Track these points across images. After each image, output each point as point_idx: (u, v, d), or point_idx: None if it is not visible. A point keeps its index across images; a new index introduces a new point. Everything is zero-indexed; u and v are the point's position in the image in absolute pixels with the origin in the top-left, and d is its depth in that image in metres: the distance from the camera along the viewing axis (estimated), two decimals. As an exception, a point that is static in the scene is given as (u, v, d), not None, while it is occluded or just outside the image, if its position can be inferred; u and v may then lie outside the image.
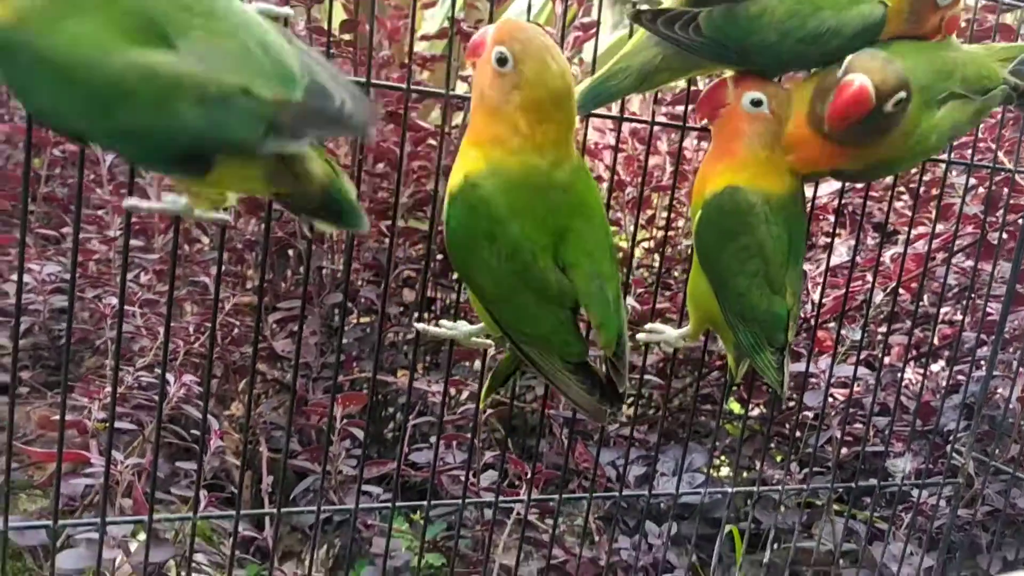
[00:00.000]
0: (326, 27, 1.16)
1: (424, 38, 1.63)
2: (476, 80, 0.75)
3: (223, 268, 1.36)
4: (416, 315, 1.53)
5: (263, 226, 1.42)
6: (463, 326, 0.86)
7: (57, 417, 0.92)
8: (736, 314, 0.91)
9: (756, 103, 0.86)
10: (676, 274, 1.59)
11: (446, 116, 1.13)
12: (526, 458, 1.45)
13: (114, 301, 1.16)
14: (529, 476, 1.14)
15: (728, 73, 0.89)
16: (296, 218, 0.77)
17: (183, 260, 1.44)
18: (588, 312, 0.80)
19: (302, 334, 1.38)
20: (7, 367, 1.37)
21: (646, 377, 1.46)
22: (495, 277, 0.76)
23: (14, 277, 1.29)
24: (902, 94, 0.81)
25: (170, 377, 1.02)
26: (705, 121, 0.94)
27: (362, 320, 1.50)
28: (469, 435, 1.32)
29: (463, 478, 1.25)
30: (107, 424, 0.97)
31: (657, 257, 1.69)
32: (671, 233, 1.61)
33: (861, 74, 0.80)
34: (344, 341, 1.46)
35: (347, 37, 1.34)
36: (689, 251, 1.58)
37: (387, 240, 1.51)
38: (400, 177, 1.01)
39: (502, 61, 0.72)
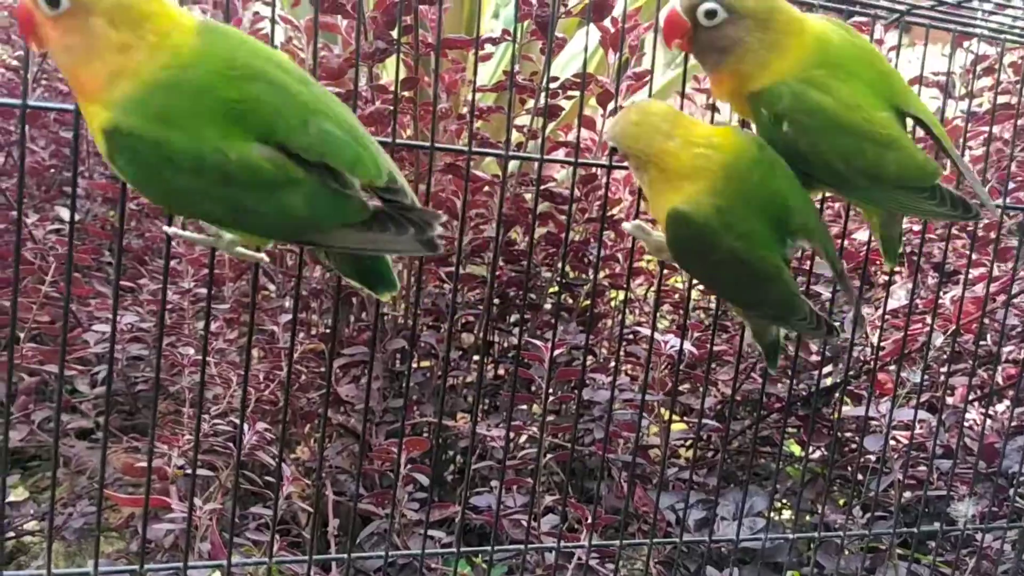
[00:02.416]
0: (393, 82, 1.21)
1: (480, 90, 1.68)
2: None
3: (289, 316, 1.41)
4: (476, 359, 1.57)
5: (327, 274, 1.47)
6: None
7: (138, 464, 0.96)
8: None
9: (710, 14, 0.85)
10: (733, 315, 1.60)
11: (505, 172, 1.16)
12: (585, 502, 1.46)
13: (188, 351, 1.21)
14: (590, 521, 1.15)
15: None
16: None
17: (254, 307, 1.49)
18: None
19: (369, 379, 1.42)
20: (86, 413, 1.43)
21: (704, 420, 1.46)
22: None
23: (95, 327, 1.36)
24: (710, 6, 0.83)
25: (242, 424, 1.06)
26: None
27: (422, 365, 1.54)
28: (529, 479, 1.34)
29: (523, 522, 1.26)
30: (185, 471, 1.01)
31: (713, 299, 1.70)
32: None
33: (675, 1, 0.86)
34: (404, 386, 1.50)
35: (407, 93, 1.39)
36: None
37: (445, 286, 1.55)
38: (463, 226, 1.04)
39: None
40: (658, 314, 1.77)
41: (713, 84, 0.91)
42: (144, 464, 0.94)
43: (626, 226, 0.96)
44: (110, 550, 1.34)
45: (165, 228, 0.83)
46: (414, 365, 1.54)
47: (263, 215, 0.72)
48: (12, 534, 1.30)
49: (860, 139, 0.85)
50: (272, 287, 1.56)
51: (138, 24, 0.67)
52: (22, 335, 1.28)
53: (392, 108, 1.36)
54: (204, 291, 1.45)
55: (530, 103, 1.52)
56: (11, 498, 1.31)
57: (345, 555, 0.94)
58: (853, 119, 0.85)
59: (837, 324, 0.97)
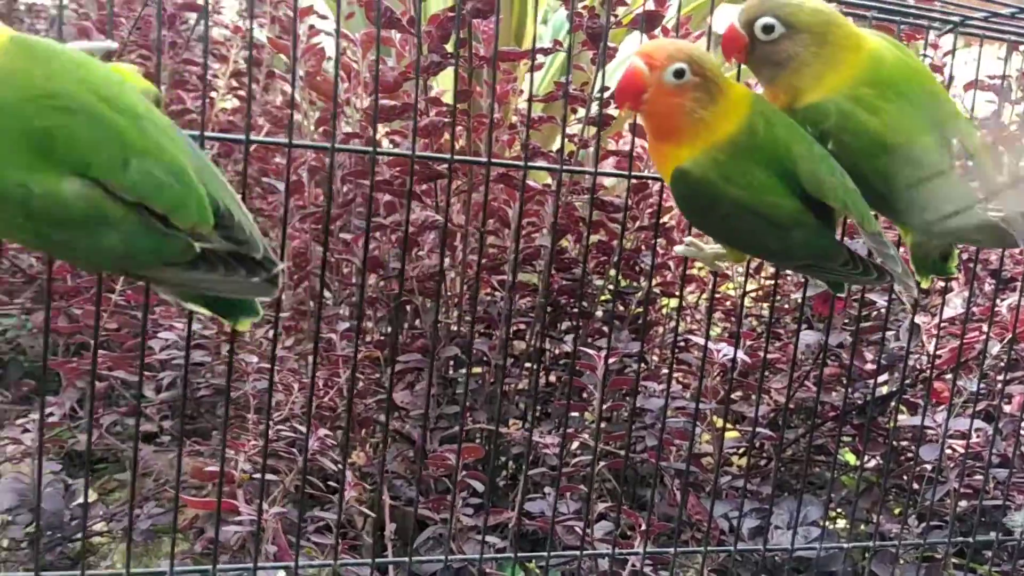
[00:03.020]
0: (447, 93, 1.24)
1: (532, 100, 1.70)
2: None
3: (347, 324, 1.44)
4: (528, 366, 1.58)
5: (384, 283, 1.50)
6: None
7: (207, 468, 1.00)
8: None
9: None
10: (786, 322, 1.60)
11: (560, 185, 1.18)
12: (637, 508, 1.47)
13: (252, 358, 1.25)
14: (644, 528, 1.16)
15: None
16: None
17: (308, 316, 1.53)
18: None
19: (423, 386, 1.44)
20: (150, 417, 1.48)
21: (757, 428, 1.46)
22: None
23: (160, 334, 1.41)
24: (767, 20, 0.84)
25: (305, 429, 1.09)
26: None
27: (474, 371, 1.56)
28: (581, 485, 1.35)
29: (577, 528, 1.28)
30: (251, 475, 1.04)
31: (766, 307, 1.70)
32: (779, 281, 1.62)
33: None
34: (457, 392, 1.52)
35: (461, 106, 1.41)
36: (798, 301, 1.59)
37: (497, 293, 1.57)
38: (517, 236, 1.06)
39: None
40: (710, 321, 1.77)
41: (768, 98, 0.91)
42: (212, 468, 0.97)
43: (678, 249, 0.98)
44: (176, 550, 1.38)
45: None
46: (465, 372, 1.56)
47: (78, 250, 0.69)
48: (81, 535, 1.35)
49: (902, 163, 0.85)
50: (328, 295, 1.60)
51: None
52: (93, 342, 1.32)
53: (445, 120, 1.39)
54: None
55: (580, 112, 1.53)
56: (80, 500, 1.36)
57: (406, 559, 0.96)
58: (896, 142, 0.85)
59: (891, 332, 0.97)
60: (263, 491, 0.84)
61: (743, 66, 0.95)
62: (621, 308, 1.59)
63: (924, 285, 1.01)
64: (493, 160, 0.94)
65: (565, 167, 0.99)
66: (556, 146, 2.20)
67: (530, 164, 1.00)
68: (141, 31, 1.62)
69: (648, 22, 1.37)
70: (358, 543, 1.37)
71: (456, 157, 0.97)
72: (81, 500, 1.36)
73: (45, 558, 1.29)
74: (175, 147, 0.70)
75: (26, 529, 1.28)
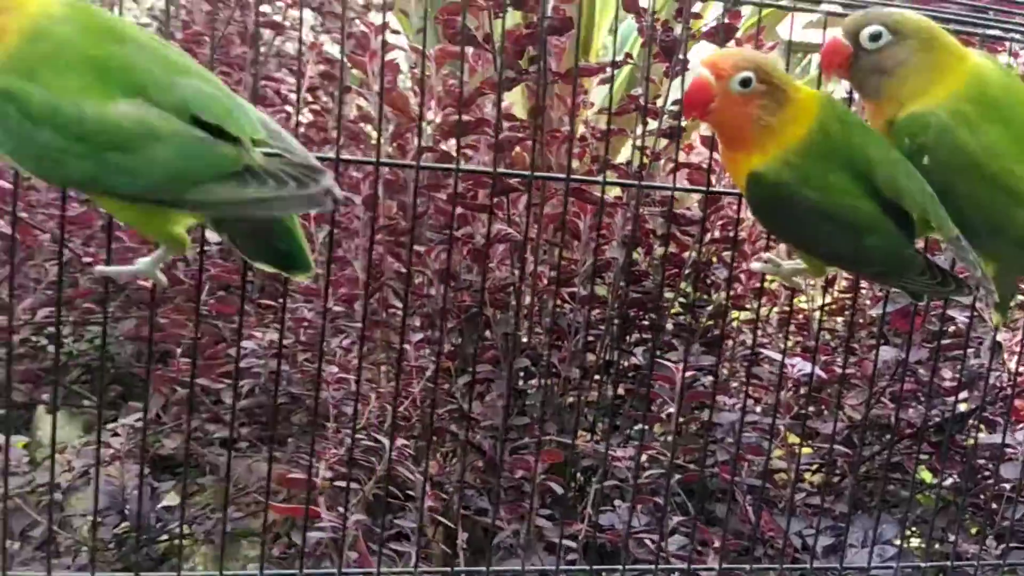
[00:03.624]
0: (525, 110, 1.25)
1: (611, 114, 1.71)
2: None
3: (418, 334, 1.47)
4: (596, 378, 1.59)
5: (453, 294, 1.52)
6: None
7: (290, 475, 1.03)
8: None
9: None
10: (861, 337, 1.57)
11: (638, 202, 1.19)
12: (706, 523, 1.46)
13: (332, 368, 1.28)
14: (716, 544, 1.16)
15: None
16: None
17: (381, 326, 1.56)
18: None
19: (509, 397, 1.46)
20: (226, 423, 1.52)
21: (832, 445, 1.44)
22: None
23: (245, 343, 1.45)
24: (874, 28, 0.84)
25: (383, 439, 1.12)
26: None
27: (542, 384, 1.57)
28: (650, 499, 1.35)
29: (648, 542, 1.28)
30: (332, 482, 1.07)
31: (839, 321, 1.68)
32: (855, 296, 1.60)
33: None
34: (527, 403, 1.54)
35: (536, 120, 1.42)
36: (874, 316, 1.57)
37: (567, 305, 1.58)
38: (596, 250, 1.07)
39: None
40: (782, 335, 1.75)
41: (870, 113, 0.91)
42: (294, 476, 1.00)
43: (755, 266, 0.98)
44: (253, 554, 1.42)
45: (96, 268, 0.89)
46: (536, 383, 1.57)
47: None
48: (166, 536, 1.39)
49: (994, 189, 0.84)
50: (399, 305, 1.62)
51: None
52: (179, 350, 1.37)
53: (519, 135, 1.41)
54: (340, 309, 1.52)
55: (652, 124, 1.54)
56: (165, 503, 1.41)
57: (482, 568, 0.98)
58: (992, 167, 0.83)
59: (971, 349, 0.95)
60: (347, 498, 0.86)
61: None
62: (692, 321, 1.59)
63: (997, 322, 0.99)
64: (572, 176, 0.95)
65: (641, 183, 1.00)
66: (620, 156, 2.21)
67: (608, 180, 1.01)
68: (223, 48, 1.68)
69: (725, 32, 1.37)
70: (429, 551, 1.39)
71: (536, 174, 0.98)
72: (165, 503, 1.41)
73: (131, 558, 1.33)
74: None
75: (114, 530, 1.33)
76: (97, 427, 1.09)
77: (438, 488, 1.41)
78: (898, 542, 1.32)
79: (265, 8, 1.76)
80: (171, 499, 1.44)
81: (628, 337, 1.60)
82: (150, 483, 1.34)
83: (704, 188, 1.02)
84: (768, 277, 1.61)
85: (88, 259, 1.45)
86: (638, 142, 1.46)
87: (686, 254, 1.54)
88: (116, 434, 1.33)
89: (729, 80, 0.83)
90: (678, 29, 1.33)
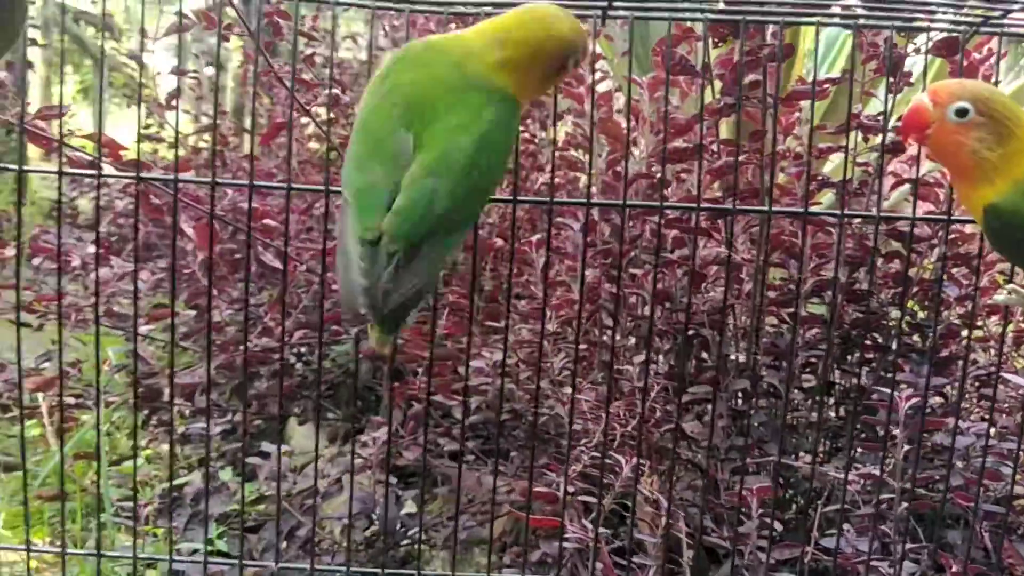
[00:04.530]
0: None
1: (819, 129, 1.69)
2: None
3: (629, 353, 1.51)
4: (818, 398, 1.57)
5: (669, 315, 1.56)
6: None
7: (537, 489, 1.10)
8: None
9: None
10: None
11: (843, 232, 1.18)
12: (936, 550, 1.40)
13: (565, 390, 1.35)
14: (955, 569, 1.12)
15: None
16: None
17: (601, 348, 1.62)
18: None
19: (709, 417, 1.48)
20: (455, 437, 1.63)
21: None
22: None
23: (474, 363, 1.55)
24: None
25: (618, 457, 1.17)
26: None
27: (761, 405, 1.57)
28: (875, 524, 1.32)
29: (881, 569, 1.25)
30: (572, 496, 1.13)
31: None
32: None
33: None
34: (746, 424, 1.54)
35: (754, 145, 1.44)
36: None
37: (784, 325, 1.58)
38: (801, 267, 1.08)
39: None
40: (1016, 354, 1.66)
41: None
42: (540, 489, 1.07)
43: (998, 298, 0.97)
44: (483, 562, 1.52)
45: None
46: (754, 404, 1.58)
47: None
48: (408, 541, 1.51)
49: None
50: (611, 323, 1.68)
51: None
52: (414, 368, 1.49)
53: (736, 160, 1.42)
54: (558, 330, 1.60)
55: (873, 140, 1.51)
56: (406, 510, 1.53)
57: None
58: None
59: None
60: (598, 513, 0.92)
61: None
62: (918, 340, 1.54)
63: None
64: (774, 209, 0.97)
65: (880, 214, 1.00)
66: (828, 165, 2.16)
67: (810, 211, 1.03)
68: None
69: (947, 48, 1.33)
70: (647, 564, 1.43)
71: (738, 208, 1.01)
72: (407, 510, 1.53)
73: (379, 559, 1.46)
74: None
75: (364, 532, 1.46)
76: (352, 439, 1.22)
77: (656, 506, 1.44)
78: None
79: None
80: (410, 506, 1.56)
81: (850, 357, 1.58)
82: (395, 491, 1.46)
83: (946, 218, 1.01)
84: (996, 296, 1.53)
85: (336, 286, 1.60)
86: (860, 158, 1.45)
87: (912, 271, 1.49)
88: (365, 445, 1.46)
89: (946, 108, 0.86)
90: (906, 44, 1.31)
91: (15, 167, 0.95)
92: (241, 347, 1.61)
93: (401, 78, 0.89)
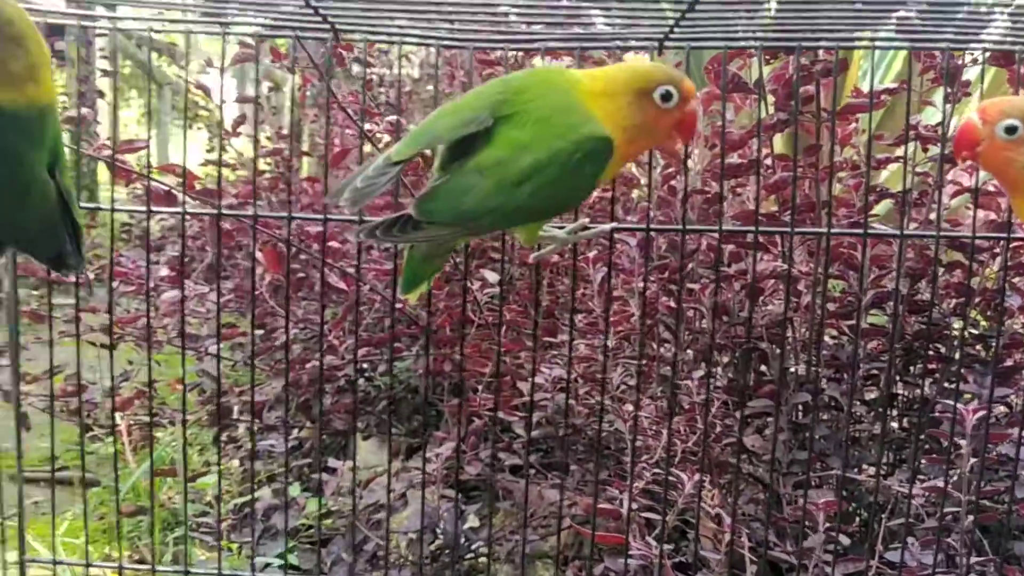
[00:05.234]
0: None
1: (877, 138, 1.68)
2: None
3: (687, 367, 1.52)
4: (881, 410, 1.56)
5: (727, 329, 1.57)
6: None
7: (602, 505, 1.12)
8: None
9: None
10: None
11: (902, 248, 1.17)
12: (1003, 562, 1.39)
13: (627, 407, 1.37)
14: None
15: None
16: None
17: (660, 360, 1.63)
18: None
19: (769, 430, 1.48)
20: (516, 452, 1.66)
21: None
22: None
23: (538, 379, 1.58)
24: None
25: (680, 474, 1.19)
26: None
27: (823, 418, 1.57)
28: (950, 539, 1.31)
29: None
30: (637, 512, 1.15)
31: None
32: None
33: None
34: (807, 437, 1.54)
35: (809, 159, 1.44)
36: None
37: (844, 338, 1.57)
38: (862, 279, 1.08)
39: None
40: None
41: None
42: (603, 506, 1.09)
43: None
44: (547, 575, 1.54)
45: None
46: (814, 417, 1.57)
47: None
48: (471, 555, 1.54)
49: None
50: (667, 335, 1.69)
51: None
52: (480, 387, 1.52)
53: (792, 175, 1.43)
54: (619, 345, 1.61)
55: (931, 150, 1.50)
56: (469, 524, 1.56)
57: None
58: None
59: None
60: (662, 530, 0.94)
61: None
62: (981, 351, 1.52)
63: None
64: (834, 230, 0.99)
65: (940, 233, 1.01)
66: (884, 173, 2.14)
67: (870, 232, 1.03)
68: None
69: (1004, 58, 1.32)
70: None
71: (796, 230, 1.03)
72: (470, 524, 1.56)
73: (445, 574, 1.49)
74: None
75: (429, 546, 1.49)
76: (423, 453, 1.25)
77: (717, 521, 1.45)
78: None
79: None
80: (472, 520, 1.59)
81: (912, 368, 1.57)
82: (459, 506, 1.49)
83: (1005, 234, 1.01)
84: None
85: (399, 304, 1.64)
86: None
87: (974, 281, 1.48)
88: (429, 460, 1.49)
89: (995, 126, 0.88)
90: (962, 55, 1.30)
91: (107, 207, 1.00)
92: (307, 365, 1.66)
93: (515, 79, 0.92)
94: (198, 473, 1.86)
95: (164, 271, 1.64)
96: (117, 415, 1.69)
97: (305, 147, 2.68)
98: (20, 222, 0.83)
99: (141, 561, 1.53)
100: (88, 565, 1.09)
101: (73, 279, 1.07)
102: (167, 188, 1.24)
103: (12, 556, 1.36)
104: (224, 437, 1.82)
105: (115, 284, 1.86)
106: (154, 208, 1.05)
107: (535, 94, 0.89)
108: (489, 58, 1.55)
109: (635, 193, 1.97)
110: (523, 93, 0.89)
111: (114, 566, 1.13)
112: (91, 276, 1.58)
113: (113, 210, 1.01)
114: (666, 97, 0.90)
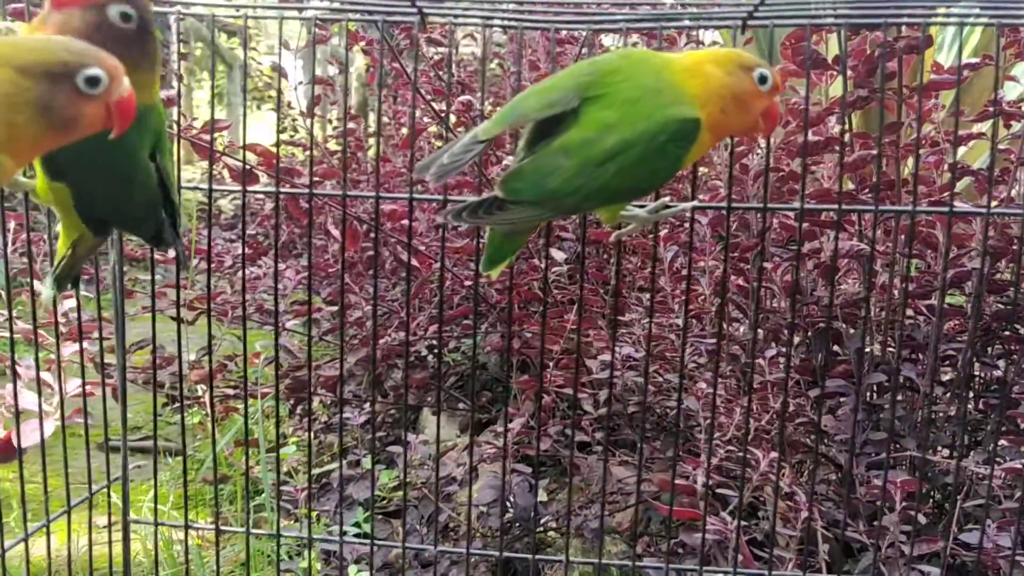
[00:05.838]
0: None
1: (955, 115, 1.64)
2: None
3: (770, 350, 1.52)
4: (958, 391, 1.54)
5: (805, 307, 1.55)
6: None
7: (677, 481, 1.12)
8: None
9: None
10: None
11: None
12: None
13: (701, 385, 1.37)
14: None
15: None
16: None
17: (730, 339, 1.63)
18: None
19: (844, 411, 1.47)
20: (585, 430, 1.67)
21: None
22: None
23: (602, 356, 1.59)
24: None
25: (755, 451, 1.19)
26: None
27: (898, 398, 1.55)
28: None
29: (1021, 563, 1.22)
30: (710, 489, 1.16)
31: None
32: None
33: None
34: (882, 417, 1.52)
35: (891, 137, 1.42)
36: None
37: (921, 318, 1.55)
38: (946, 263, 1.06)
39: None
40: None
41: None
42: (678, 482, 1.10)
43: None
44: (615, 549, 1.55)
45: None
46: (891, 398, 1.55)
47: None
48: (541, 528, 1.57)
49: None
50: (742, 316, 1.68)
51: None
52: (551, 364, 1.54)
53: (872, 153, 1.41)
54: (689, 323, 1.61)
55: (1015, 126, 1.46)
56: (540, 498, 1.58)
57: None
58: None
59: None
60: (739, 506, 0.95)
61: None
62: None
63: None
64: (919, 208, 0.96)
65: (992, 211, 0.98)
66: (962, 149, 2.09)
67: (955, 210, 1.01)
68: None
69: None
70: (784, 556, 1.43)
71: (881, 208, 1.00)
72: (540, 498, 1.58)
73: (515, 546, 1.52)
74: None
75: (504, 518, 1.52)
76: (504, 426, 1.27)
77: (790, 499, 1.45)
78: None
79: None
80: (541, 496, 1.61)
81: (990, 349, 1.54)
82: (529, 480, 1.52)
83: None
84: None
85: (468, 282, 1.67)
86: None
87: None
88: (499, 435, 1.52)
89: None
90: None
91: (205, 187, 1.04)
92: (381, 341, 1.70)
93: (604, 60, 0.92)
94: (275, 444, 1.91)
95: (239, 249, 1.68)
96: (200, 387, 1.75)
97: (372, 127, 2.72)
98: (126, 206, 0.87)
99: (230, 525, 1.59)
100: (188, 527, 1.13)
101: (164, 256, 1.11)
102: (249, 168, 1.27)
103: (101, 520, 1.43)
104: (299, 410, 1.87)
105: (196, 262, 1.92)
106: (249, 188, 1.08)
107: (625, 75, 0.89)
108: (560, 36, 1.55)
109: (702, 171, 1.95)
110: (612, 75, 0.89)
111: (211, 527, 1.17)
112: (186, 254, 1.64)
113: (211, 189, 1.05)
114: (763, 80, 0.89)
